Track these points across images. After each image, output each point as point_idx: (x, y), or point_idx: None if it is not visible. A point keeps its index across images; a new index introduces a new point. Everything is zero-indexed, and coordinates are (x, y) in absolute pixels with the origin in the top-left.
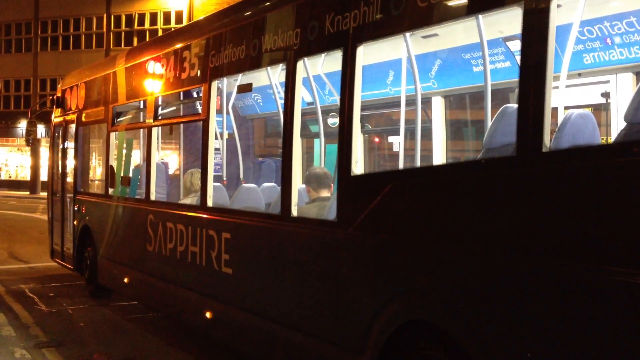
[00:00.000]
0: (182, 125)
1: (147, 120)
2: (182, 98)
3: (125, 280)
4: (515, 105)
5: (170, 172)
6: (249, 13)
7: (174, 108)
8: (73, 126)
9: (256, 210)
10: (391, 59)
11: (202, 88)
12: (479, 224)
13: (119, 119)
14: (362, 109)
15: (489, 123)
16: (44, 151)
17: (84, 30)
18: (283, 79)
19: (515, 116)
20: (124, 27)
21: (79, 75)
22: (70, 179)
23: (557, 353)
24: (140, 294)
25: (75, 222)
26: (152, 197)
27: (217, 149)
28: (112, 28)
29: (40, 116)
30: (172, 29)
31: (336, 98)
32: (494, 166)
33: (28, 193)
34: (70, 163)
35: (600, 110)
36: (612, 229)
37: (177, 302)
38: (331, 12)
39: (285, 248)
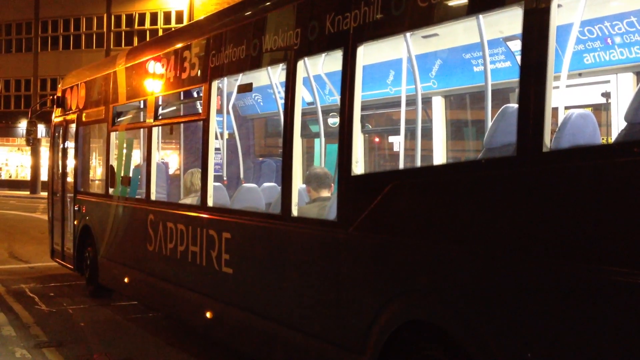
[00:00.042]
0: (182, 125)
1: (147, 120)
2: (182, 98)
3: (126, 280)
4: (516, 105)
5: (171, 172)
6: (249, 13)
7: (175, 108)
8: (73, 126)
9: (256, 210)
10: (391, 59)
11: (203, 88)
12: (479, 224)
13: (119, 119)
14: (363, 108)
15: (490, 123)
16: (44, 151)
17: (84, 30)
18: (283, 78)
19: (515, 116)
20: (124, 27)
21: (79, 75)
22: (70, 179)
23: (557, 353)
24: (141, 293)
25: (75, 222)
26: (153, 197)
27: (217, 149)
28: (112, 28)
29: (41, 116)
30: (173, 29)
31: (336, 98)
32: (495, 166)
33: (28, 193)
34: (71, 163)
35: (601, 110)
36: (612, 229)
37: (178, 302)
38: (331, 12)
39: (286, 248)
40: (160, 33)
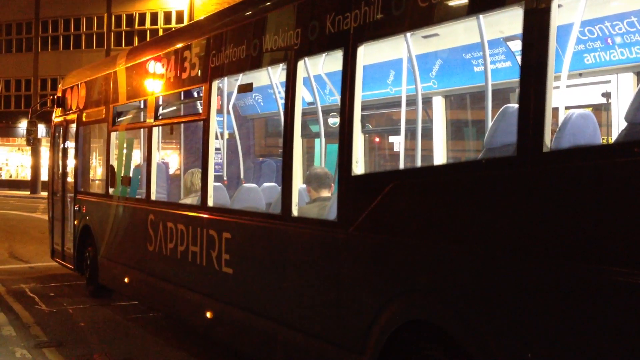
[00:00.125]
0: (182, 125)
1: (147, 120)
2: (182, 98)
3: (126, 280)
4: (516, 105)
5: (171, 172)
6: (249, 13)
7: (175, 108)
8: (73, 126)
9: (257, 210)
10: (392, 59)
11: (203, 88)
12: (480, 224)
13: (119, 119)
14: (363, 108)
15: (490, 123)
16: (45, 151)
17: (84, 30)
18: (284, 78)
19: (515, 116)
20: (124, 27)
21: (80, 75)
22: (70, 179)
23: (557, 353)
24: (141, 293)
25: (75, 222)
26: (153, 197)
27: (217, 149)
28: (112, 28)
29: (41, 116)
30: (173, 29)
31: (337, 98)
32: (495, 166)
33: (28, 193)
34: (71, 163)
35: (601, 110)
36: (612, 229)
37: (178, 302)
38: (332, 11)
39: (286, 248)
40: (161, 33)
